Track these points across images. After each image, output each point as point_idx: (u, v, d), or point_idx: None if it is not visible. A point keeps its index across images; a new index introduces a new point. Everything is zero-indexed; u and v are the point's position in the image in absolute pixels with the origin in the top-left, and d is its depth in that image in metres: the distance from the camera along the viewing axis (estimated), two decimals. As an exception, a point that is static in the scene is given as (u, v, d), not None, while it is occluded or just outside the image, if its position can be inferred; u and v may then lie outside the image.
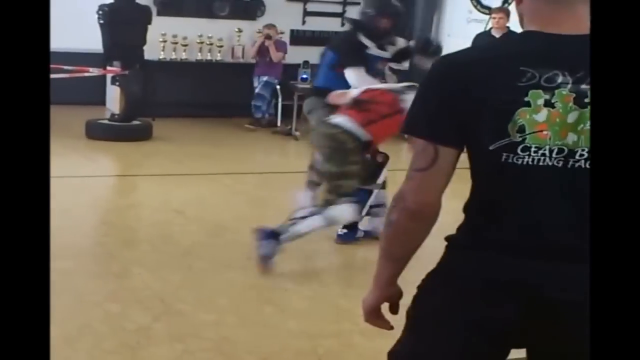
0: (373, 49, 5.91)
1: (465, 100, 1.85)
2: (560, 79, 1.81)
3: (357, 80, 5.71)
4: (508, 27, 9.35)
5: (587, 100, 1.80)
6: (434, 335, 1.99)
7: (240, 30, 11.78)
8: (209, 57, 11.73)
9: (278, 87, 11.19)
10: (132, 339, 4.01)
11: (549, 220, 1.86)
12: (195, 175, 8.25)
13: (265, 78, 11.04)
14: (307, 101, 6.21)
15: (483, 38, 9.54)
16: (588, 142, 1.80)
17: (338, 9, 12.63)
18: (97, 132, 9.74)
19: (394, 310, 2.14)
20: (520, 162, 1.83)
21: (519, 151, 1.83)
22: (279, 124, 11.12)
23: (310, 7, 12.49)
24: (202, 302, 4.55)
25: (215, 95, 11.33)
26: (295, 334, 4.26)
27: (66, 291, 4.57)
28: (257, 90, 11.07)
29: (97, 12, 9.65)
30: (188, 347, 3.95)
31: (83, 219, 6.34)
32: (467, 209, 2.00)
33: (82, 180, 7.79)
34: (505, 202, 1.90)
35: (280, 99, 11.27)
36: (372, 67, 5.91)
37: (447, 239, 2.02)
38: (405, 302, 2.09)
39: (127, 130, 9.86)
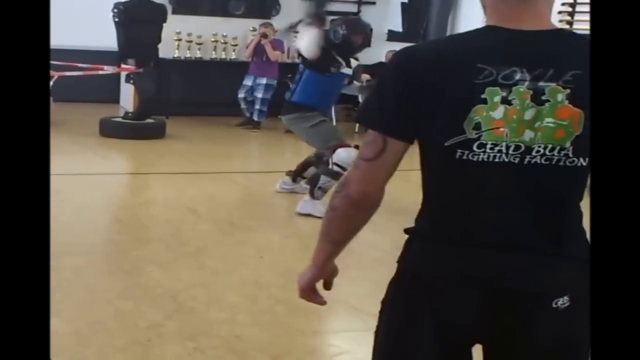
0: (344, 68, 6.59)
1: (421, 95, 1.84)
2: (518, 76, 1.80)
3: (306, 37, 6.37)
4: None
5: (544, 97, 1.80)
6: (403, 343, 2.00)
7: (255, 29, 11.75)
8: (223, 56, 11.75)
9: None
10: (144, 336, 4.00)
11: (506, 215, 1.87)
12: (208, 174, 8.25)
13: (264, 80, 10.95)
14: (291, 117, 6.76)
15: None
16: (545, 139, 1.82)
17: (353, 8, 12.63)
18: (110, 130, 9.77)
19: (328, 287, 2.18)
20: (475, 158, 1.83)
21: (474, 148, 1.82)
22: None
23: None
24: (213, 300, 4.55)
25: (229, 94, 11.32)
26: (306, 333, 4.24)
27: (78, 288, 4.59)
28: (260, 95, 10.95)
29: (113, 10, 9.68)
30: (199, 344, 3.94)
31: (96, 216, 6.35)
32: (423, 202, 2.00)
33: (95, 177, 7.81)
34: (462, 198, 1.90)
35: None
36: (340, 84, 6.74)
37: (407, 231, 2.01)
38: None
39: (140, 128, 9.88)
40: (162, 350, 3.87)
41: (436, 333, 1.91)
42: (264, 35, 10.82)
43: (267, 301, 4.59)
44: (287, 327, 4.26)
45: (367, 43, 6.63)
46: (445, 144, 1.83)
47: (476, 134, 1.81)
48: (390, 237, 5.99)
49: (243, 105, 11.11)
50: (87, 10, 11.28)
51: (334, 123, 11.55)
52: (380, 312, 2.06)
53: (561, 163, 1.83)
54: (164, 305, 4.41)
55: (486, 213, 1.87)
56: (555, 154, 1.82)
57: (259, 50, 10.92)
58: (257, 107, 11.01)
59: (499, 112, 1.80)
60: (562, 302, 1.83)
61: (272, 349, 3.96)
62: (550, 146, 1.82)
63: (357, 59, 6.83)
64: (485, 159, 1.82)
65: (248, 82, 11.01)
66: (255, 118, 11.03)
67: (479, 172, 1.84)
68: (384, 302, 2.06)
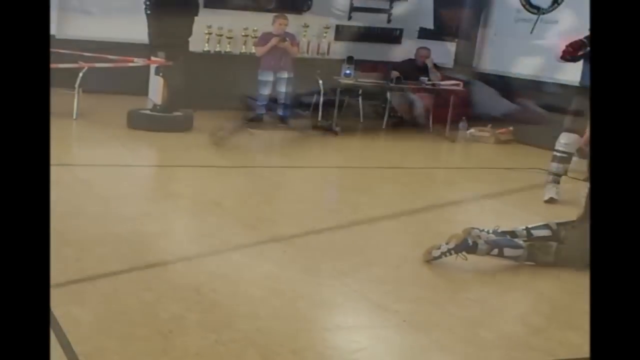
0: None
1: None
2: None
3: None
4: None
5: None
6: None
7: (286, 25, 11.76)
8: (253, 51, 11.73)
9: (320, 82, 11.17)
10: (165, 328, 4.01)
11: None
12: (235, 168, 8.26)
13: (285, 75, 10.91)
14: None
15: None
16: None
17: (385, 5, 12.60)
18: (138, 122, 9.81)
19: None
20: None
21: None
22: (319, 118, 11.12)
23: (357, 2, 12.46)
24: (236, 294, 4.54)
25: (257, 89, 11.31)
26: (328, 328, 4.24)
27: (101, 278, 4.60)
28: (284, 89, 10.90)
29: (144, 3, 9.71)
30: (220, 337, 3.94)
31: (122, 207, 6.37)
32: None
33: (121, 169, 7.84)
34: None
35: (322, 94, 11.24)
36: None
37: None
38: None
39: (168, 121, 9.91)
40: (183, 342, 3.87)
41: None
42: (283, 40, 10.78)
43: (289, 295, 4.58)
44: (308, 322, 4.25)
45: None
46: None
47: None
48: (412, 236, 5.98)
49: (264, 102, 11.04)
50: (118, 3, 11.34)
51: (361, 119, 11.66)
52: None
53: None
54: (187, 297, 4.41)
55: None
56: None
57: (276, 47, 10.88)
58: (282, 101, 10.99)
59: None
60: None
61: (293, 344, 3.95)
62: None
63: None
64: None
65: (269, 77, 10.92)
66: (281, 113, 11.01)
67: None
68: None
